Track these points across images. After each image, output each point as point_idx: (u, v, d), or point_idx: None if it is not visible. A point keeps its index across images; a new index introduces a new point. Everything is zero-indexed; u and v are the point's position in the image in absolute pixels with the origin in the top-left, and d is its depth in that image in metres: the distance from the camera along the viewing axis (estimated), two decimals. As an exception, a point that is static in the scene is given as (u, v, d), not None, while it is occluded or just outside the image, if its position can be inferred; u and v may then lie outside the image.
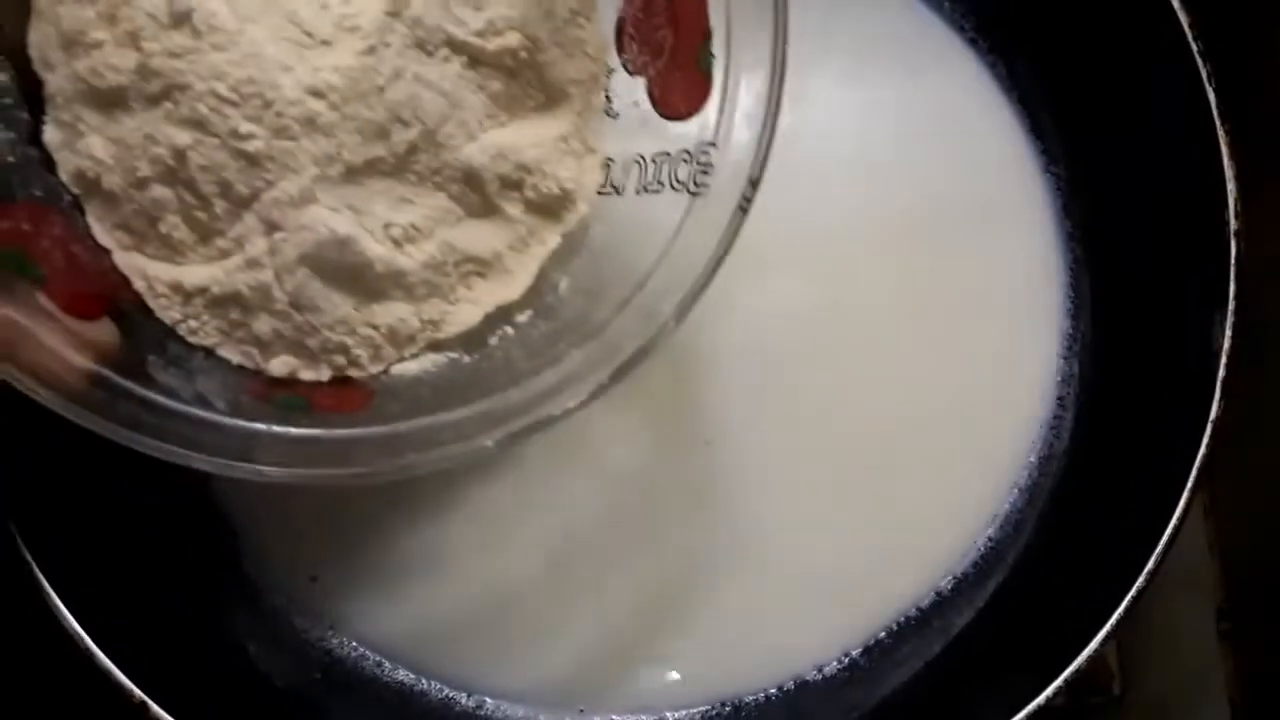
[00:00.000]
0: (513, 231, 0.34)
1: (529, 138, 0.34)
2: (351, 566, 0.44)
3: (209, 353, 0.33)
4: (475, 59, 0.32)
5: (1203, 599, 0.54)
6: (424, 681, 0.43)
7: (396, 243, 0.32)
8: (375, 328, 0.33)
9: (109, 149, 0.31)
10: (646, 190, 0.34)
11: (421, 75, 0.31)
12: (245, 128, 0.30)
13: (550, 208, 0.34)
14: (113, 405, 0.30)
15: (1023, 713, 0.37)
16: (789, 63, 0.32)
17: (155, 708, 0.36)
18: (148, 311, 0.32)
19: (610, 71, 0.35)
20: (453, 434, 0.32)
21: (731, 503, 0.44)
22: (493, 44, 0.32)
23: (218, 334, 0.33)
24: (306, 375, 0.33)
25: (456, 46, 0.32)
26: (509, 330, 0.35)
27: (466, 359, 0.35)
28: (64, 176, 0.32)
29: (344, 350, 0.33)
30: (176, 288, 0.32)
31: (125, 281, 0.32)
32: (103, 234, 0.32)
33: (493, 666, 0.43)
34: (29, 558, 0.37)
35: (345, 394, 0.33)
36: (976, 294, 0.47)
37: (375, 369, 0.34)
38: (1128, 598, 0.38)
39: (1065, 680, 0.37)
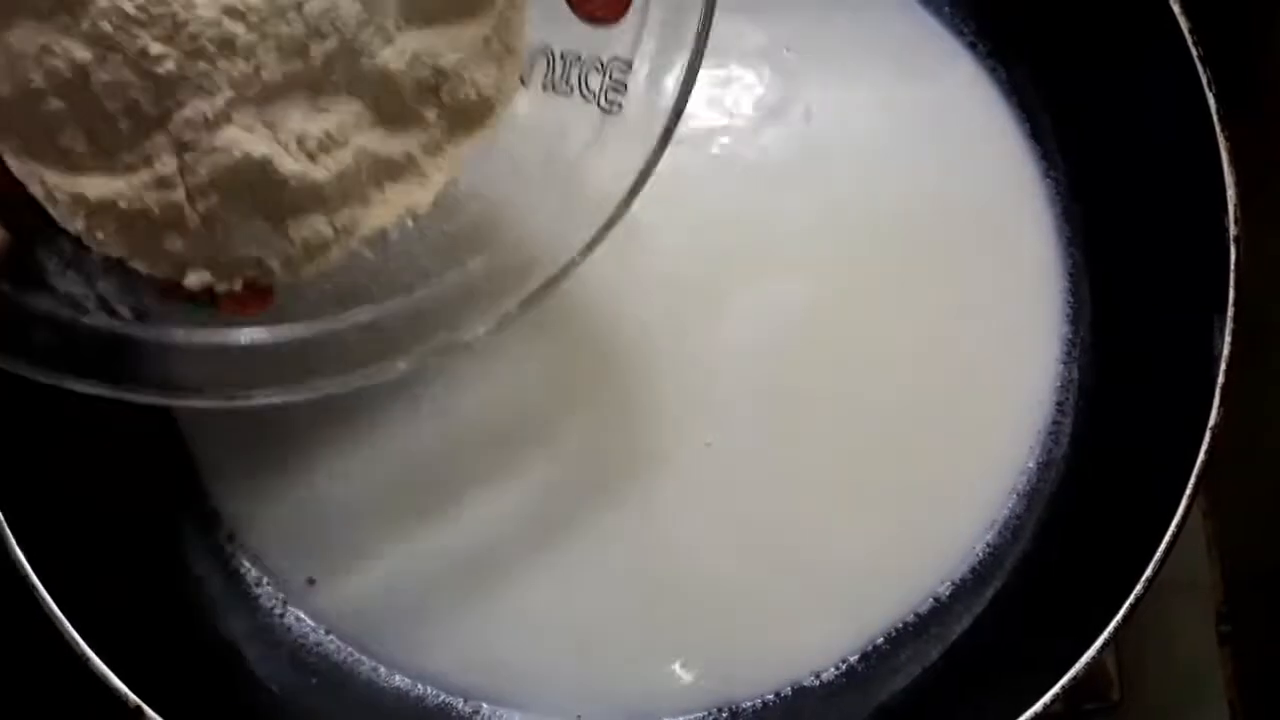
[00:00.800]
0: (428, 135, 0.33)
1: (448, 40, 0.32)
2: (347, 570, 0.44)
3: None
4: None
5: (1202, 602, 0.54)
6: (420, 687, 0.43)
7: (311, 155, 0.31)
8: (290, 240, 0.32)
9: None
10: (555, 90, 0.34)
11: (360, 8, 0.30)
12: (155, 49, 0.28)
13: (467, 112, 0.34)
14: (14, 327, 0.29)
15: (1020, 720, 0.37)
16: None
17: (150, 713, 0.36)
18: (39, 210, 0.31)
19: None
20: (359, 339, 0.31)
21: (730, 507, 0.44)
22: None
23: (125, 247, 0.31)
24: (221, 288, 0.32)
25: None
26: (409, 224, 0.34)
27: (369, 255, 0.34)
28: None
29: (257, 264, 0.32)
30: (79, 199, 0.30)
31: (8, 177, 0.30)
32: None
33: (490, 672, 0.43)
34: (23, 560, 0.36)
35: (252, 296, 0.33)
36: (975, 298, 0.47)
37: (289, 279, 0.33)
38: (1126, 604, 0.38)
39: (1063, 687, 0.37)
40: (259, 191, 0.31)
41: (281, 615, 0.44)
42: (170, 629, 0.41)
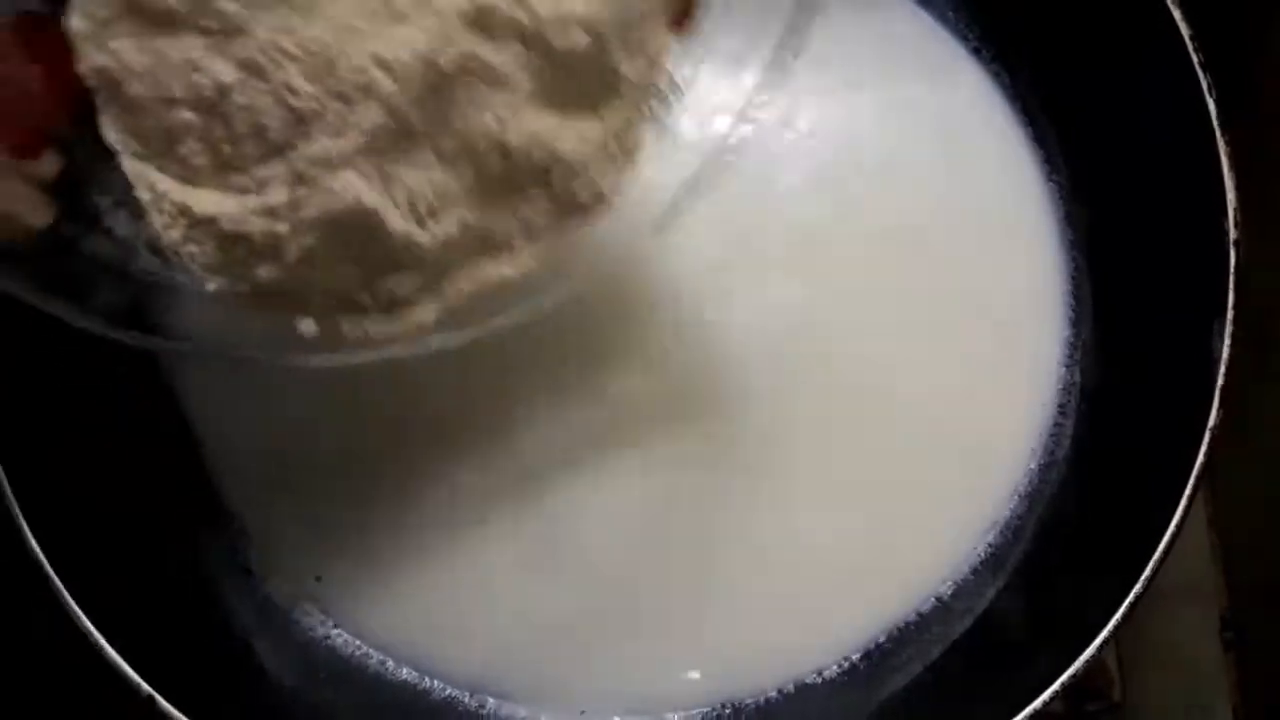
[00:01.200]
0: (530, 218, 0.34)
1: (570, 129, 0.33)
2: (356, 567, 0.44)
3: None
4: (536, 45, 0.32)
5: (1206, 608, 0.54)
6: (427, 680, 0.44)
7: (419, 218, 0.32)
8: (374, 293, 0.33)
9: (142, 59, 0.30)
10: None
11: (483, 56, 0.31)
12: (300, 84, 0.29)
13: (573, 204, 0.34)
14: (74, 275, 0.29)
15: (1018, 717, 0.37)
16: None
17: (163, 702, 0.36)
18: (95, 147, 0.31)
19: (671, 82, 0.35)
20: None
21: (733, 505, 0.45)
22: (560, 41, 0.31)
23: (215, 264, 0.32)
24: (294, 319, 0.33)
25: (527, 38, 0.31)
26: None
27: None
28: (83, 68, 0.30)
29: (334, 312, 0.33)
30: (184, 210, 0.31)
31: (64, 107, 0.30)
32: (112, 134, 0.31)
33: (495, 666, 0.44)
34: (41, 556, 0.37)
35: None
36: (977, 301, 0.47)
37: (355, 332, 0.33)
38: (1125, 604, 0.38)
39: (1062, 685, 0.37)
40: (360, 241, 0.31)
41: (290, 610, 0.44)
42: (183, 622, 0.42)
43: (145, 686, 0.36)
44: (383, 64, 0.29)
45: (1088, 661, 0.38)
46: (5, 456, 0.38)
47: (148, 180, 0.31)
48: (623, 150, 0.35)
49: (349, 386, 0.43)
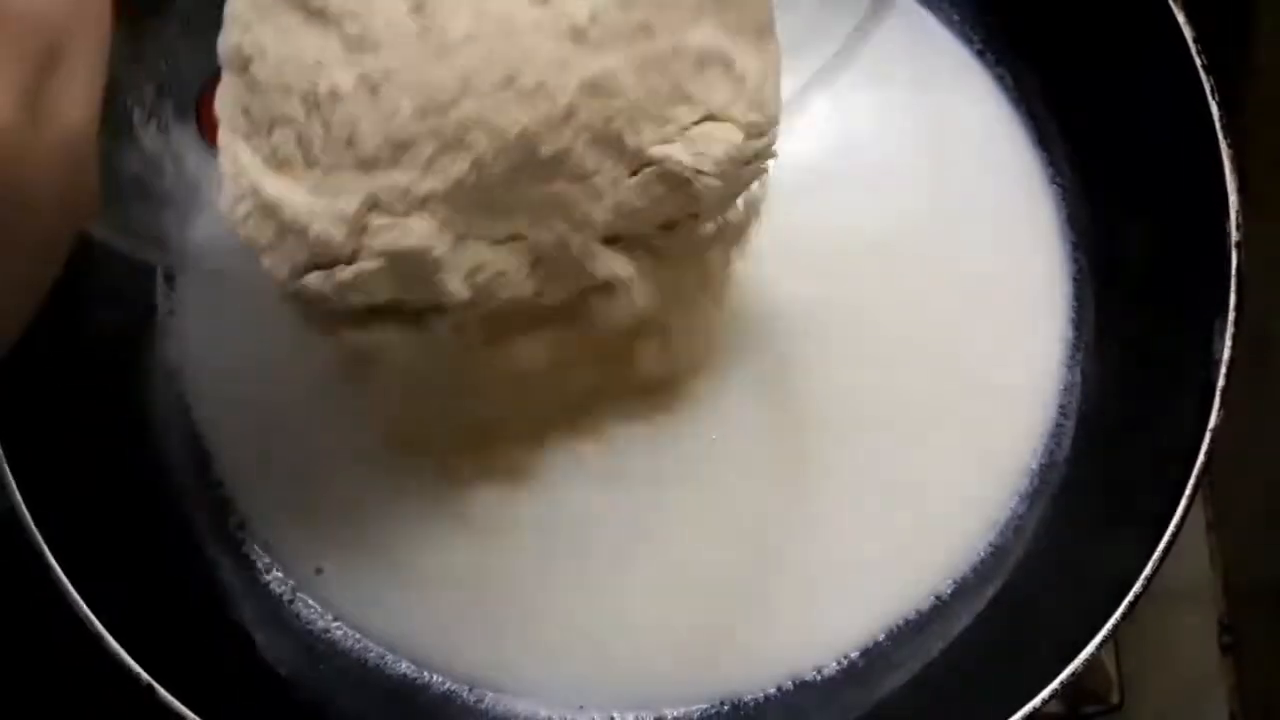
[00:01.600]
0: (568, 328, 0.36)
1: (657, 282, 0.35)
2: (356, 559, 0.44)
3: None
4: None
5: (1205, 612, 0.54)
6: (425, 674, 0.44)
7: (474, 289, 0.32)
8: (399, 332, 0.34)
9: (279, 49, 0.30)
10: None
11: (578, 157, 0.31)
12: (407, 111, 0.29)
13: (605, 343, 0.37)
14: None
15: (1015, 717, 0.37)
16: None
17: (162, 691, 0.36)
18: (132, 38, 0.31)
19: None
20: None
21: (733, 503, 0.45)
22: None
23: (263, 240, 0.32)
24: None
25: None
26: None
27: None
28: (221, 43, 0.32)
29: (348, 326, 0.34)
30: (255, 189, 0.31)
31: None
32: (220, 104, 0.32)
33: (493, 661, 0.43)
34: (41, 542, 0.37)
35: None
36: (980, 302, 0.47)
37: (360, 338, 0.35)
38: (1124, 603, 0.38)
39: (1061, 683, 0.37)
40: (410, 277, 0.32)
41: (290, 602, 0.44)
42: (182, 612, 0.42)
43: (144, 675, 0.36)
44: (485, 125, 0.30)
45: (1086, 661, 0.37)
46: (8, 447, 0.38)
47: (234, 152, 0.32)
48: (699, 292, 0.38)
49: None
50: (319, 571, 0.44)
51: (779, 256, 0.46)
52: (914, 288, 0.47)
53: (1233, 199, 0.40)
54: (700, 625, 0.44)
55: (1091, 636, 0.38)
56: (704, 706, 0.44)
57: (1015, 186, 0.48)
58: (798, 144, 0.46)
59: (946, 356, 0.46)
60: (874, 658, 0.44)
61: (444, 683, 0.44)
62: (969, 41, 0.49)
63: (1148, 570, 0.38)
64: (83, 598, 0.37)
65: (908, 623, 0.44)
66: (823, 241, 0.47)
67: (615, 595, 0.44)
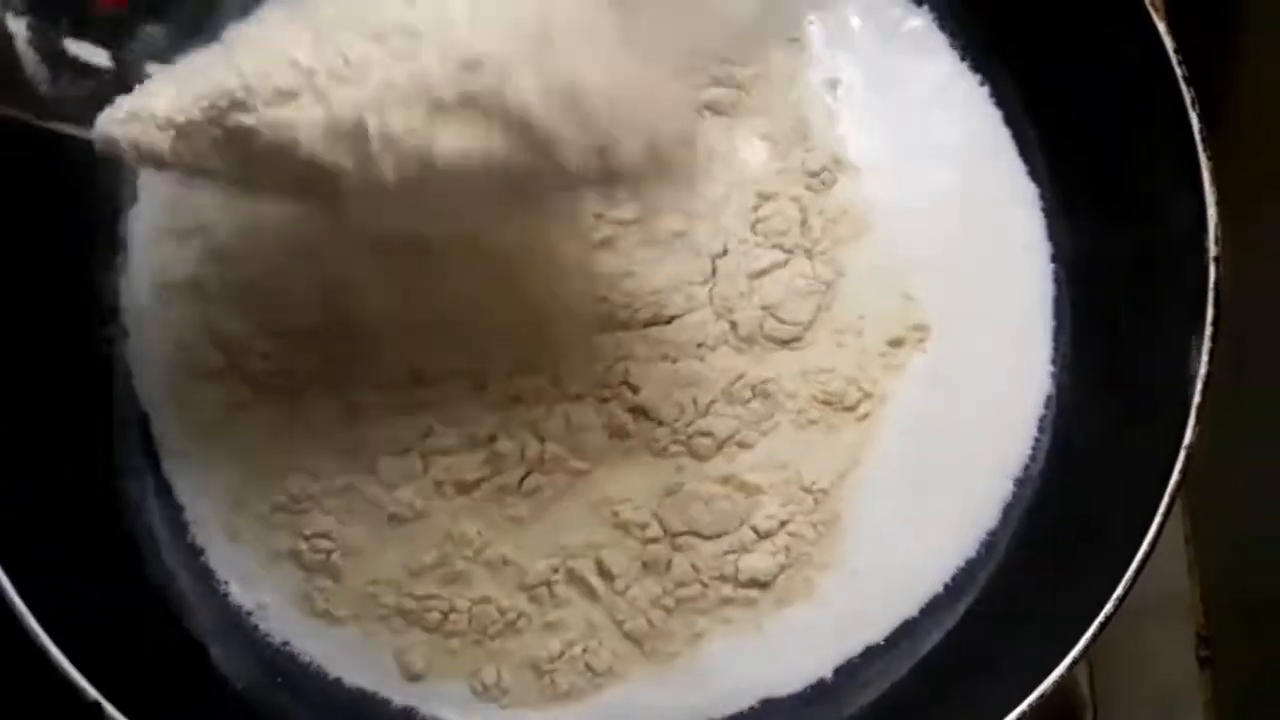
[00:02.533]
0: None
1: None
2: (311, 575, 0.43)
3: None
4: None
5: (1182, 626, 0.54)
6: (384, 690, 0.43)
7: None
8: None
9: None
10: None
11: None
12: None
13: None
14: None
15: (987, 736, 0.37)
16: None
17: (110, 708, 0.35)
18: None
19: None
20: None
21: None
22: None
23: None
24: None
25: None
26: None
27: None
28: None
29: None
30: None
31: None
32: None
33: (449, 677, 0.43)
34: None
35: None
36: (959, 314, 0.46)
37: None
38: (1096, 623, 0.37)
39: (1030, 705, 0.37)
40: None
41: (250, 615, 0.43)
42: (135, 625, 0.41)
43: (91, 691, 0.35)
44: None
45: (1057, 681, 0.37)
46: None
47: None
48: None
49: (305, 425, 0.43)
50: (277, 585, 0.43)
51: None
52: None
53: (1211, 212, 0.40)
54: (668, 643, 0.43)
55: (1062, 657, 0.37)
56: (674, 726, 0.43)
57: (996, 196, 0.48)
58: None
59: (924, 369, 0.46)
60: (843, 676, 0.43)
61: (403, 698, 0.43)
62: (952, 48, 0.48)
63: (1120, 590, 0.37)
64: (29, 608, 0.36)
65: (877, 641, 0.44)
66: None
67: (578, 613, 0.43)
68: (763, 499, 0.43)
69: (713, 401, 0.44)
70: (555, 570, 0.43)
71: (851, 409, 0.45)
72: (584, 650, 0.43)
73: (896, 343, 0.46)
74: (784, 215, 0.46)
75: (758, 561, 0.43)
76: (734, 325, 0.45)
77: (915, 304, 0.46)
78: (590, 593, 0.43)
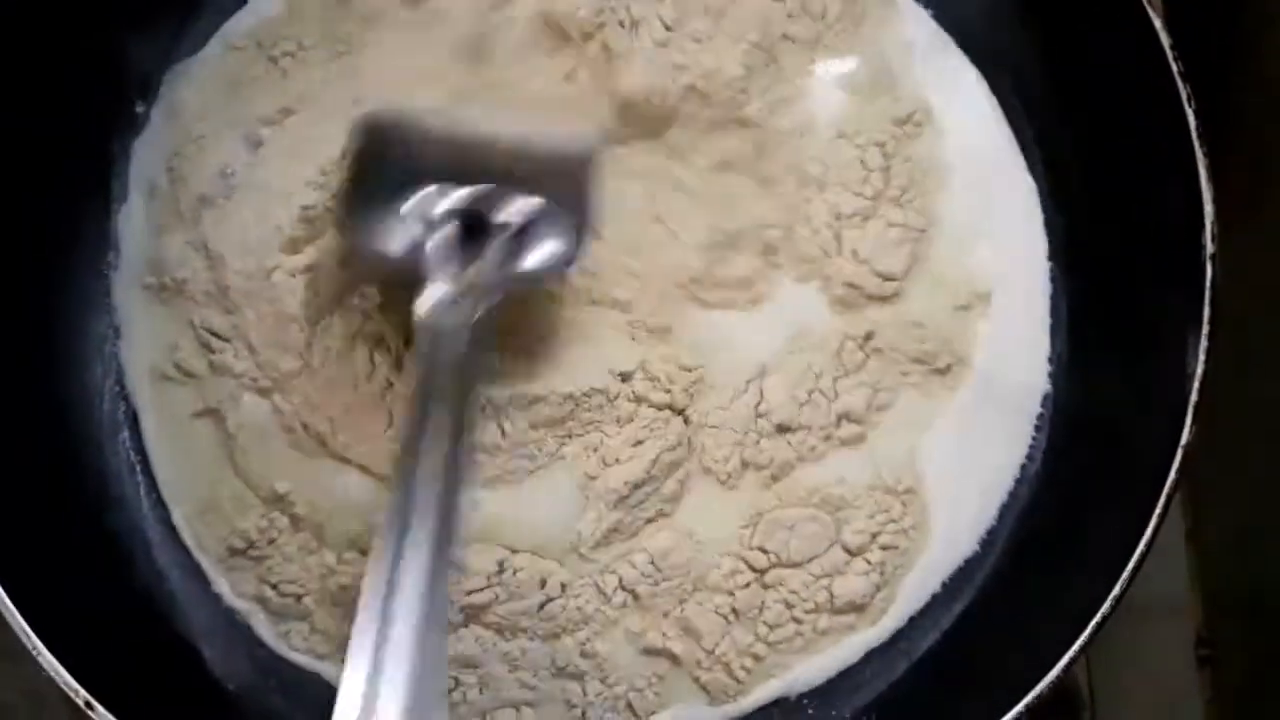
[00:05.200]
0: None
1: None
2: (308, 579, 0.43)
3: None
4: None
5: (1182, 626, 0.54)
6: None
7: None
8: None
9: None
10: None
11: None
12: None
13: None
14: None
15: (983, 736, 0.37)
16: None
17: (101, 709, 0.35)
18: None
19: None
20: None
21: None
22: None
23: None
24: None
25: None
26: None
27: None
28: None
29: None
30: None
31: None
32: None
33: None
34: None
35: None
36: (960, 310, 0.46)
37: None
38: (1093, 623, 0.37)
39: (1027, 706, 0.37)
40: None
41: (244, 616, 0.43)
42: (126, 626, 0.41)
43: (82, 691, 0.35)
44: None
45: (1053, 682, 0.37)
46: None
47: None
48: None
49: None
50: (273, 586, 0.43)
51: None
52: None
53: (1208, 210, 0.40)
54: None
55: (1059, 657, 0.37)
56: (670, 722, 0.43)
57: (994, 191, 0.47)
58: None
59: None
60: (839, 677, 0.43)
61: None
62: (962, 47, 0.48)
63: (1117, 590, 0.37)
64: (18, 607, 0.35)
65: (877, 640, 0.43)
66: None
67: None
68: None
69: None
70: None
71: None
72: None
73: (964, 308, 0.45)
74: (867, 160, 0.45)
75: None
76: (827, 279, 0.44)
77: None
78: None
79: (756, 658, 0.42)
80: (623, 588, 0.42)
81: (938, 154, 0.46)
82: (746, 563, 0.42)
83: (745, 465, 0.43)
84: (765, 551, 0.42)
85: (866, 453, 0.44)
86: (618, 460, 0.42)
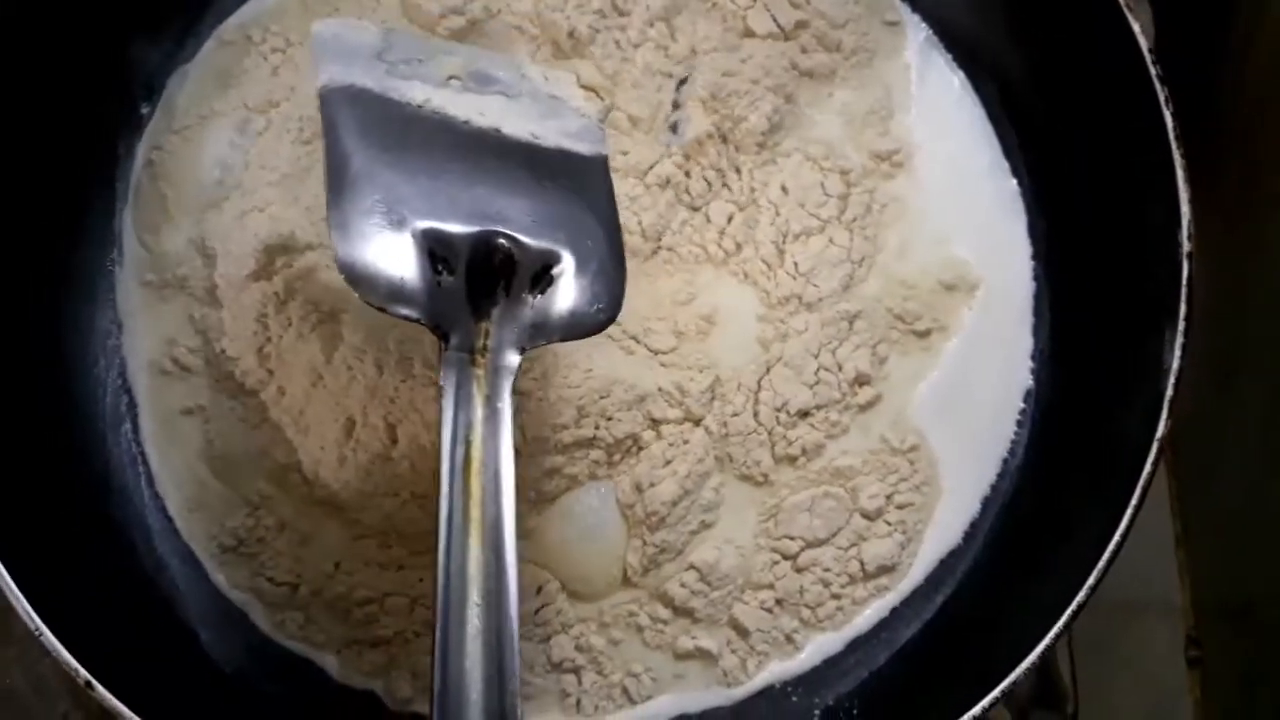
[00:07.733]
0: None
1: None
2: (305, 570, 0.43)
3: None
4: None
5: (1172, 627, 0.54)
6: (371, 683, 0.43)
7: None
8: None
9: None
10: None
11: None
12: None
13: None
14: None
15: (958, 724, 0.37)
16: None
17: (100, 688, 0.36)
18: None
19: None
20: None
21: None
22: None
23: None
24: None
25: None
26: None
27: None
28: None
29: None
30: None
31: None
32: None
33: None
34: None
35: None
36: (944, 308, 0.47)
37: None
38: (1068, 612, 0.38)
39: (1002, 691, 0.37)
40: None
41: (241, 603, 0.43)
42: (126, 611, 0.41)
43: (83, 671, 0.36)
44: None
45: (1028, 670, 0.37)
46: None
47: None
48: None
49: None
50: (270, 580, 0.43)
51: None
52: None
53: (1185, 209, 0.40)
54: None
55: (1034, 646, 0.37)
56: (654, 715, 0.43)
57: (976, 196, 0.48)
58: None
59: (911, 361, 0.46)
60: (822, 666, 0.44)
61: (385, 688, 0.43)
62: (942, 53, 0.49)
63: (1091, 580, 0.38)
64: (21, 589, 0.36)
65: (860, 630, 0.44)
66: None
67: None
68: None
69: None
70: None
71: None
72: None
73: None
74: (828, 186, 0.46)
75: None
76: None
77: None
78: None
79: (789, 638, 0.43)
80: (674, 608, 0.43)
81: (907, 194, 0.47)
82: (779, 552, 0.43)
83: (778, 461, 0.44)
84: (792, 538, 0.43)
85: (865, 421, 0.44)
86: (651, 484, 0.42)
